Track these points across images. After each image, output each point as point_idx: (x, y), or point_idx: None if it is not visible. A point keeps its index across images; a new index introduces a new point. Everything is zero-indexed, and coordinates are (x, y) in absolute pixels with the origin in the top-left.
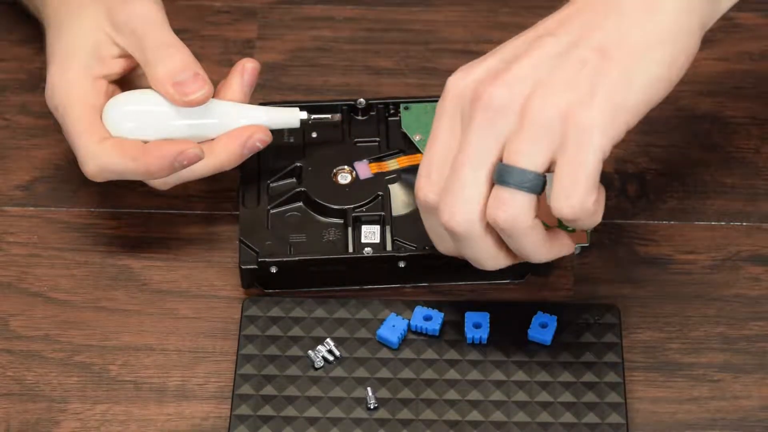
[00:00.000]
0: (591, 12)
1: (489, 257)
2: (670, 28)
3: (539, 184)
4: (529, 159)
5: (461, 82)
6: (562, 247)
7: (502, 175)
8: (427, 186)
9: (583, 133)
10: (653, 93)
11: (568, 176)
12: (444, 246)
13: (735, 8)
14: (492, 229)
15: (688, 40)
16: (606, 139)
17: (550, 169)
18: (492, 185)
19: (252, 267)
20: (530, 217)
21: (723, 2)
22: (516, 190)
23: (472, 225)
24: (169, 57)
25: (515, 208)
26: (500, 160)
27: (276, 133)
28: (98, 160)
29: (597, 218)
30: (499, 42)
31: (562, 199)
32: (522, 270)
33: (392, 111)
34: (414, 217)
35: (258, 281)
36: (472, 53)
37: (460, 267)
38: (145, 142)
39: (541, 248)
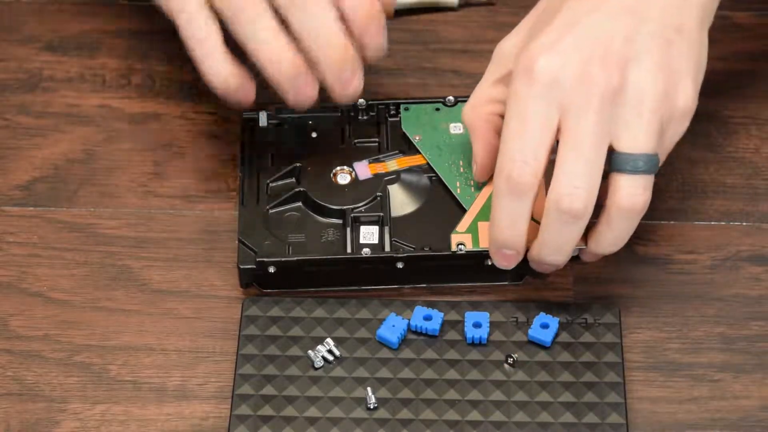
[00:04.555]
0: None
1: (572, 245)
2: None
3: (658, 164)
4: (651, 144)
5: (553, 65)
6: None
7: (633, 163)
8: (525, 169)
9: (682, 117)
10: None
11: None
12: (513, 233)
13: (734, 8)
14: None
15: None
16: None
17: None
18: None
19: (250, 267)
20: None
21: None
22: (648, 175)
23: (590, 206)
24: None
25: (650, 191)
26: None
27: (276, 132)
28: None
29: None
30: (497, 42)
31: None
32: (520, 272)
33: (392, 111)
34: (413, 218)
35: (256, 281)
36: (471, 53)
37: (458, 268)
38: None
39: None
